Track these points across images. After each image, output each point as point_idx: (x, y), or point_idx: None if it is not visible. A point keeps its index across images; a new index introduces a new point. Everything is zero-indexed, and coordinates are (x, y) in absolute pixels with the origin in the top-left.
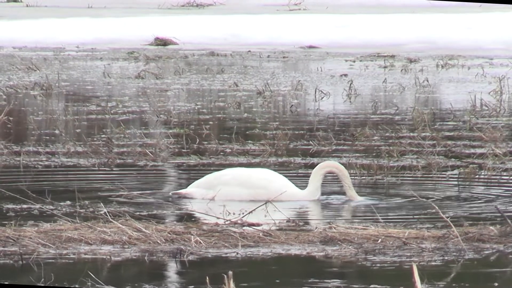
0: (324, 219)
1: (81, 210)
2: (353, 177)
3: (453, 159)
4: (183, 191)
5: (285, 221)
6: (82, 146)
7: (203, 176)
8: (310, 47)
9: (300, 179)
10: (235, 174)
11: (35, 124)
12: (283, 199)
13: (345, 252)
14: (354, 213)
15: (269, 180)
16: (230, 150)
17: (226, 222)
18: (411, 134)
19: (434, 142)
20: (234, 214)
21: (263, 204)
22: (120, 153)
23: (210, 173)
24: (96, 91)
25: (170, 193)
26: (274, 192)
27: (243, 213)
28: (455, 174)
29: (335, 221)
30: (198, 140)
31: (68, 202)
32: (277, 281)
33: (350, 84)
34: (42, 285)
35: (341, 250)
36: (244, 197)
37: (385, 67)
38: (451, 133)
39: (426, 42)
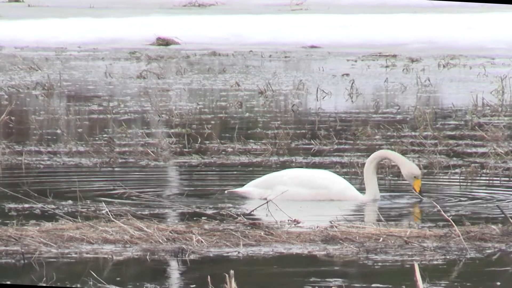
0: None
1: (83, 210)
2: (355, 177)
3: (455, 158)
4: (239, 190)
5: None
6: (84, 145)
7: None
8: (312, 46)
9: None
10: (296, 174)
11: (37, 123)
12: (344, 200)
13: (346, 251)
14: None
15: (331, 181)
16: (231, 150)
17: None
18: (413, 133)
19: (436, 141)
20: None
21: (265, 204)
22: (121, 153)
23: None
24: (97, 91)
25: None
26: (336, 193)
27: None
28: (457, 173)
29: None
30: (199, 139)
31: (70, 202)
32: (279, 280)
33: (352, 84)
34: (44, 284)
35: (342, 249)
36: (304, 197)
37: (386, 66)
38: (453, 133)
39: (427, 41)
